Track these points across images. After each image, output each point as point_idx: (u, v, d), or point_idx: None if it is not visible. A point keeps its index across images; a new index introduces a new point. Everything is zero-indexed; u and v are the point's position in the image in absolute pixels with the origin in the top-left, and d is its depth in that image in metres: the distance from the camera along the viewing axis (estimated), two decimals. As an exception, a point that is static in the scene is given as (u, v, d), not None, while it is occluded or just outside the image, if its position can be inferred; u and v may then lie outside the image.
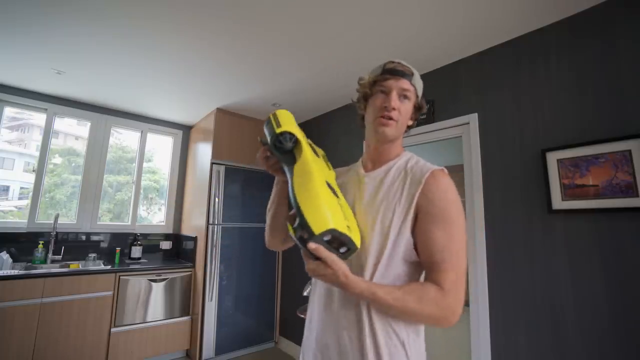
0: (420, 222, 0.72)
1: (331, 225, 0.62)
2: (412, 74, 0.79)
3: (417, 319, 0.68)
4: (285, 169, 0.76)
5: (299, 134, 0.76)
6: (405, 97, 0.77)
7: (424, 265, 0.73)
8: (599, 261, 1.39)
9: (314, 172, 0.70)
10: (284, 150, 0.75)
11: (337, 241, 0.66)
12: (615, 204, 1.36)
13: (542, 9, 1.57)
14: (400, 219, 0.73)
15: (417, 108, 0.82)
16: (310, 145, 0.81)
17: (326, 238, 0.64)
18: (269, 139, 0.76)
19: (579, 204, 1.46)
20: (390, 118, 0.76)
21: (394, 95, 0.76)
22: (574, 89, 1.55)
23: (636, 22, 1.40)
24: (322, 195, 0.66)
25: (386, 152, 0.83)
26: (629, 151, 1.35)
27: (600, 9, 1.51)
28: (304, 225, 0.63)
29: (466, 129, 1.97)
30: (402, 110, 0.77)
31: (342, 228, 0.64)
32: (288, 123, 0.76)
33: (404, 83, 0.77)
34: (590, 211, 1.43)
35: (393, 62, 0.79)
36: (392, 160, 0.82)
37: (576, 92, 1.54)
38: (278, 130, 0.73)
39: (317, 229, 0.62)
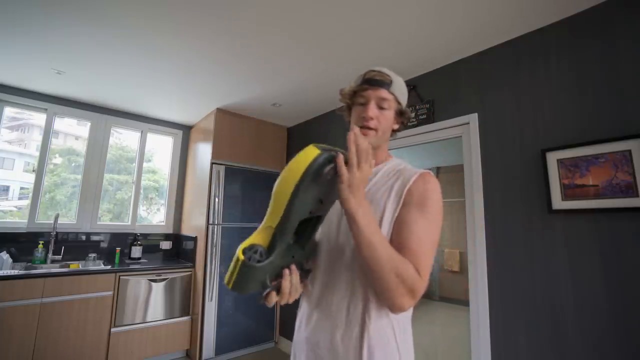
0: (402, 211, 0.74)
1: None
2: (391, 82, 0.80)
3: (387, 287, 0.64)
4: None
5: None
6: (384, 106, 0.79)
7: (395, 245, 0.70)
8: (599, 261, 1.39)
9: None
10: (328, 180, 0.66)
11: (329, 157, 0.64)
12: (615, 204, 1.37)
13: (542, 9, 1.57)
14: (391, 215, 0.75)
15: (400, 113, 0.84)
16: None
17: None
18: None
19: (579, 204, 1.46)
20: (369, 128, 0.78)
21: (372, 105, 0.78)
22: (574, 89, 1.55)
23: (636, 22, 1.40)
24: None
25: (376, 155, 0.85)
26: (629, 151, 1.35)
27: (600, 9, 1.51)
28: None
29: (466, 129, 1.97)
30: (382, 119, 0.79)
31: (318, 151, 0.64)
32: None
33: (382, 92, 0.78)
34: (590, 211, 1.43)
35: (373, 71, 0.81)
36: (381, 164, 0.86)
37: (576, 92, 1.54)
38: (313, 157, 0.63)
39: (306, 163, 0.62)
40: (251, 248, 0.63)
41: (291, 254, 0.69)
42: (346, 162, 0.64)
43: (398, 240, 0.71)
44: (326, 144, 0.67)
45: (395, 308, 0.66)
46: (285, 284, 0.66)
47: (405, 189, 0.75)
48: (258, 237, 0.66)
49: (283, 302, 0.67)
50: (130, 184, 3.38)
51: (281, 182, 0.64)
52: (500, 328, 1.67)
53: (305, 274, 0.73)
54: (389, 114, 0.81)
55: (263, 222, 0.67)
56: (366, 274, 0.71)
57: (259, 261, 0.63)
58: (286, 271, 0.66)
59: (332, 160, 0.64)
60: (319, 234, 0.84)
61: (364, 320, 0.72)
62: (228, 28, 1.83)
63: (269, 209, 0.66)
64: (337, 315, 0.75)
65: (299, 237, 0.71)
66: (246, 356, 2.98)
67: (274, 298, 0.65)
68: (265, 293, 0.65)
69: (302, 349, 0.81)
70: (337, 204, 0.80)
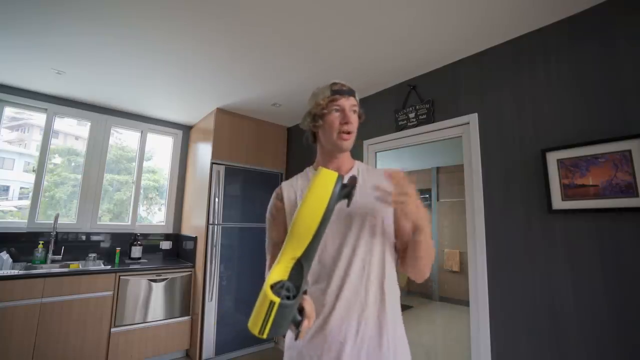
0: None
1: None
2: (354, 91, 0.94)
3: (427, 263, 0.85)
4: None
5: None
6: (355, 111, 0.91)
7: (407, 237, 0.89)
8: (599, 261, 1.39)
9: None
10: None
11: (349, 186, 0.71)
12: (615, 204, 1.37)
13: (542, 9, 1.57)
14: (390, 209, 0.89)
15: (358, 117, 0.97)
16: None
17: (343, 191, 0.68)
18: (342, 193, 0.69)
19: (579, 204, 1.46)
20: (349, 132, 0.89)
21: (349, 112, 0.89)
22: (574, 89, 1.55)
23: (636, 22, 1.40)
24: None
25: (345, 160, 0.97)
26: (629, 151, 1.35)
27: (600, 9, 1.51)
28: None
29: (466, 129, 1.97)
30: (355, 123, 0.92)
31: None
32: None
33: (352, 100, 0.91)
34: (590, 211, 1.43)
35: (337, 83, 0.92)
36: (353, 168, 0.98)
37: (576, 92, 1.54)
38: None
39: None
40: (280, 286, 0.61)
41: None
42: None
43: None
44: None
45: (425, 278, 0.88)
46: (309, 308, 0.69)
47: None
48: (279, 272, 0.64)
49: (310, 327, 0.70)
50: (130, 184, 3.38)
51: (307, 210, 0.65)
52: (500, 328, 1.67)
53: (304, 292, 0.74)
54: (356, 118, 0.93)
55: (282, 254, 0.66)
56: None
57: (294, 297, 0.61)
58: (301, 299, 0.68)
59: (346, 182, 0.70)
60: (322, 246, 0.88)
61: (384, 303, 0.83)
62: (228, 28, 1.82)
63: (290, 239, 0.66)
64: (362, 309, 0.81)
65: None
66: (246, 356, 2.98)
67: (306, 327, 0.67)
68: (300, 327, 0.64)
69: (316, 348, 0.81)
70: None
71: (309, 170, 1.03)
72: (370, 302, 0.82)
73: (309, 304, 0.70)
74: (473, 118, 1.92)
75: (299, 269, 0.64)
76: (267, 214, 0.99)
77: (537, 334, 1.54)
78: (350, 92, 0.91)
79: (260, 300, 0.60)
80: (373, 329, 0.80)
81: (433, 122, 2.14)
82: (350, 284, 0.82)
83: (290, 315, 0.62)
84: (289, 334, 0.89)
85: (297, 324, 0.64)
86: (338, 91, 0.90)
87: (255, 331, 0.60)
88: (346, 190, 0.68)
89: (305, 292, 0.73)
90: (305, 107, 1.00)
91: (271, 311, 0.58)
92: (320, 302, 0.83)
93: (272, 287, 0.61)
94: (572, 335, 1.43)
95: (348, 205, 0.73)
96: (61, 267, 2.65)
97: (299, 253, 0.64)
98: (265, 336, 0.60)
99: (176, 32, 1.88)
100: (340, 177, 0.68)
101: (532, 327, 1.56)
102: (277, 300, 0.58)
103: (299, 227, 0.65)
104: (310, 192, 0.67)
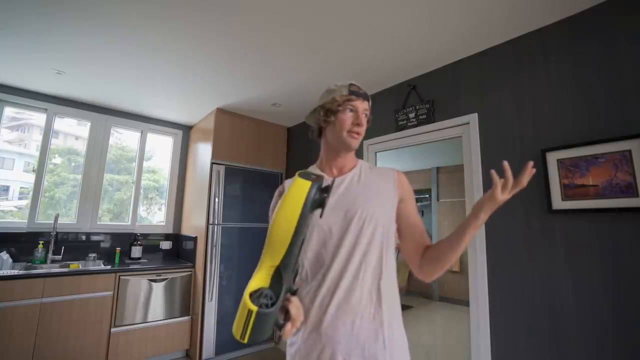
0: (404, 204, 0.94)
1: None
2: (369, 97, 0.97)
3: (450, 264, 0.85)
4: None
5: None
6: (366, 115, 0.94)
7: (415, 234, 0.92)
8: (599, 261, 1.39)
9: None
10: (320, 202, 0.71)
11: (323, 194, 0.71)
12: (615, 204, 1.37)
13: (542, 9, 1.57)
14: (392, 206, 0.91)
15: (367, 122, 0.99)
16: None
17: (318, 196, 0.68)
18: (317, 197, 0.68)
19: (579, 204, 1.46)
20: (359, 133, 0.91)
21: (362, 115, 0.92)
22: (574, 89, 1.55)
23: (636, 22, 1.40)
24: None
25: (348, 160, 0.98)
26: (629, 151, 1.35)
27: (600, 9, 1.51)
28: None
29: (466, 129, 1.97)
30: (364, 126, 0.94)
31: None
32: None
33: (366, 104, 0.94)
34: (590, 211, 1.43)
35: (355, 85, 0.94)
36: (356, 167, 0.98)
37: (576, 92, 1.54)
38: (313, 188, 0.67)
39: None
40: (259, 294, 0.63)
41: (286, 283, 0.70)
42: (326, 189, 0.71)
43: (419, 225, 0.94)
44: (305, 170, 0.73)
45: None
46: (294, 311, 0.69)
47: (396, 185, 0.93)
48: (259, 280, 0.66)
49: (294, 329, 0.70)
50: (130, 184, 3.38)
51: (280, 220, 0.66)
52: (500, 328, 1.67)
53: (293, 293, 0.75)
54: (365, 123, 0.95)
55: (261, 263, 0.67)
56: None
57: (272, 304, 0.63)
58: (286, 302, 0.69)
59: (321, 188, 0.69)
60: (315, 243, 0.88)
61: (380, 302, 0.82)
62: (228, 28, 1.82)
63: (267, 248, 0.67)
64: (357, 308, 0.81)
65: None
66: (246, 356, 2.98)
67: (289, 330, 0.68)
68: (282, 331, 0.66)
69: (312, 346, 0.81)
70: (329, 216, 0.87)
71: (312, 168, 1.04)
72: (365, 302, 0.81)
73: (294, 307, 0.70)
74: (473, 118, 1.92)
75: (278, 276, 0.66)
76: (270, 212, 1.00)
77: (537, 334, 1.54)
78: (365, 97, 0.93)
79: (240, 308, 0.62)
80: (368, 329, 0.80)
81: (433, 122, 2.14)
82: (346, 283, 0.82)
83: (271, 321, 0.63)
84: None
85: (280, 327, 0.66)
86: (355, 92, 0.92)
87: (237, 337, 0.62)
88: (320, 198, 0.68)
89: (294, 293, 0.74)
90: (307, 106, 1.00)
91: (250, 319, 0.61)
92: (316, 300, 0.83)
93: (252, 295, 0.63)
94: (572, 335, 1.43)
95: (321, 215, 0.71)
96: (61, 267, 2.65)
97: (276, 262, 0.65)
98: (246, 341, 0.62)
99: (176, 32, 1.88)
100: (315, 184, 0.68)
101: (532, 327, 1.56)
102: (254, 308, 0.60)
103: (274, 236, 0.66)
104: (284, 201, 0.67)
